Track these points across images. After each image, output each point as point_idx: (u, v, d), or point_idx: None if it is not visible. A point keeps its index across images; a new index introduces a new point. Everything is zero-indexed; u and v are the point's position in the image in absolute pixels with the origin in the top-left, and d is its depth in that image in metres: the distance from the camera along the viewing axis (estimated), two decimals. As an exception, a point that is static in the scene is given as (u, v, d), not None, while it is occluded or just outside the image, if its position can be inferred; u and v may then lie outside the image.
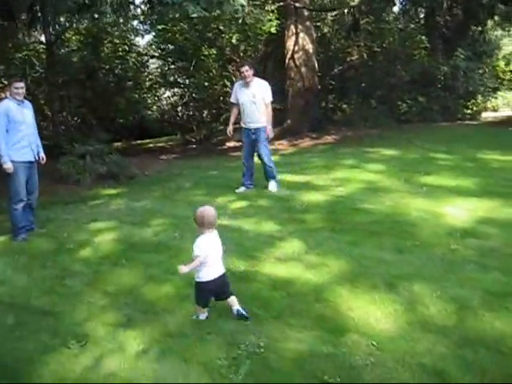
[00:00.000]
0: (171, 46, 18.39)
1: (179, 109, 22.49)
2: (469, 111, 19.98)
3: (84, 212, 7.83)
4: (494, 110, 24.11)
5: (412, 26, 21.24)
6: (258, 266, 4.99)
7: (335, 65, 20.47)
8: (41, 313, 4.25)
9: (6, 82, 17.73)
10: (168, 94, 24.08)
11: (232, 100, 8.40)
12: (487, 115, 21.38)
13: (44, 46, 17.07)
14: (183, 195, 8.48)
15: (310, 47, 16.12)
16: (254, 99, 7.96)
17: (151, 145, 21.01)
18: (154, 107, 25.71)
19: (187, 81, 19.30)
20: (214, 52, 15.43)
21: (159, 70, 20.21)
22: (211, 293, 3.84)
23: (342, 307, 4.04)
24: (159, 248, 5.68)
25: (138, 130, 23.08)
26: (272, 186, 8.23)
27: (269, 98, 8.04)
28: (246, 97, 8.04)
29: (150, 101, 24.12)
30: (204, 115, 19.22)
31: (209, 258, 3.72)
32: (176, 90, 22.28)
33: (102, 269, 5.15)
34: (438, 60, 18.70)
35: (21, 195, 6.44)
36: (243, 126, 8.32)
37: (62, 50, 16.05)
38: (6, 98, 6.56)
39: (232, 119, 8.54)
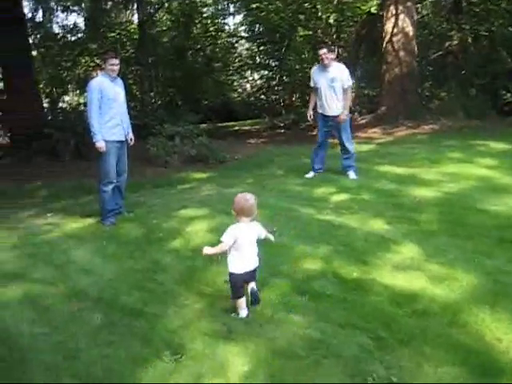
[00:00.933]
0: (261, 28, 17.81)
1: (267, 92, 21.97)
2: None
3: (174, 197, 7.42)
4: None
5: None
6: (373, 274, 4.31)
7: (433, 50, 19.12)
8: (131, 313, 3.78)
9: (98, 61, 17.94)
10: (256, 76, 23.66)
11: (311, 84, 7.97)
12: None
13: (135, 26, 17.01)
14: (277, 184, 7.88)
15: (410, 30, 15.02)
16: (332, 84, 7.57)
17: (237, 128, 20.61)
18: (241, 89, 25.37)
19: (277, 63, 18.70)
20: (308, 33, 14.63)
21: (249, 52, 19.65)
22: (243, 283, 3.65)
23: (487, 336, 3.30)
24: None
25: (223, 112, 22.83)
26: (352, 175, 7.90)
27: (348, 82, 7.65)
28: (323, 80, 7.64)
29: (236, 83, 23.76)
30: (293, 99, 18.53)
31: (240, 248, 3.56)
32: (264, 72, 21.78)
33: (196, 265, 4.64)
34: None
35: (110, 177, 6.09)
36: (319, 110, 7.93)
37: (153, 31, 15.79)
38: (98, 74, 6.18)
39: (311, 104, 8.20)
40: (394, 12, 14.79)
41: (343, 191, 7.11)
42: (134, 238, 5.55)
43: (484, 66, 18.23)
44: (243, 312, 3.64)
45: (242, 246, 3.56)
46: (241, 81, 24.33)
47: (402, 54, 14.98)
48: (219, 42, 17.70)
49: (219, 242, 3.60)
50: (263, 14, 13.26)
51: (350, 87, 7.74)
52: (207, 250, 3.64)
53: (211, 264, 4.57)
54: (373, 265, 4.49)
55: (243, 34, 19.02)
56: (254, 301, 3.63)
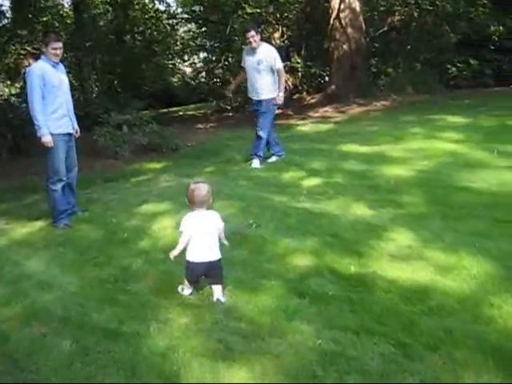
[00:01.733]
0: (202, 8, 17.10)
1: (209, 75, 21.27)
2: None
3: (130, 191, 6.80)
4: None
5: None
6: (372, 266, 3.89)
7: (376, 26, 18.94)
8: (106, 334, 3.21)
9: (28, 48, 16.73)
10: (196, 59, 22.90)
11: (242, 64, 7.66)
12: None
13: (68, 10, 15.94)
14: (240, 171, 7.38)
15: (356, 5, 14.71)
16: (258, 66, 7.23)
17: (181, 113, 19.86)
18: (181, 73, 24.55)
19: (220, 44, 18.04)
20: (254, 10, 14.06)
21: (189, 34, 18.88)
22: (200, 274, 3.54)
23: (522, 333, 2.93)
24: (235, 241, 4.58)
25: (164, 98, 21.97)
26: (255, 163, 7.48)
27: (279, 63, 7.24)
28: (250, 63, 7.34)
29: (176, 67, 22.92)
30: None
31: (196, 237, 3.46)
32: (206, 54, 21.07)
33: (171, 269, 4.07)
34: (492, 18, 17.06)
35: (60, 174, 5.43)
36: (249, 95, 7.73)
37: (89, 14, 14.74)
38: (30, 62, 5.45)
39: (236, 81, 8.36)
40: (339, -13, 14.40)
41: (313, 175, 6.70)
42: (94, 240, 4.93)
43: (429, 41, 18.23)
44: (187, 291, 3.64)
45: (198, 234, 3.46)
46: (181, 65, 23.51)
47: (349, 30, 14.67)
48: (159, 24, 16.78)
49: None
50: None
51: (281, 68, 7.31)
52: (173, 253, 3.55)
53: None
54: (368, 256, 4.08)
55: (184, 16, 18.16)
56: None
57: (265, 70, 7.18)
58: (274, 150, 7.76)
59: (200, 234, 3.46)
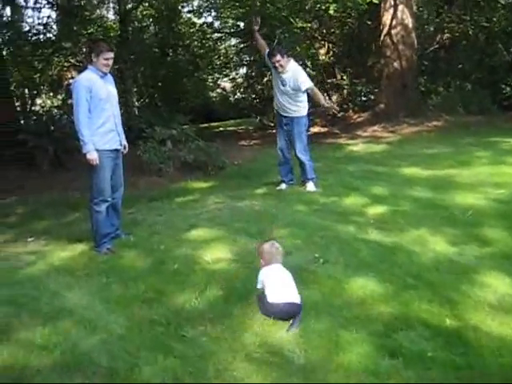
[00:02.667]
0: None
1: (248, 90, 20.88)
2: None
3: (176, 212, 6.29)
4: None
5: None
6: (471, 320, 3.29)
7: (426, 43, 18.25)
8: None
9: (72, 61, 16.59)
10: (237, 74, 22.55)
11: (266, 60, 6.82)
12: None
13: (111, 23, 15.76)
14: (294, 193, 6.80)
15: (409, 21, 14.09)
16: (282, 88, 6.59)
17: (221, 129, 19.49)
18: (220, 89, 24.22)
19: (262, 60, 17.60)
20: (306, 25, 13.56)
21: (233, 48, 18.52)
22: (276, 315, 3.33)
23: None
24: (302, 279, 4.00)
25: (203, 113, 21.63)
26: (310, 187, 6.82)
27: (306, 85, 6.50)
28: (276, 82, 6.69)
29: (215, 82, 22.61)
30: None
31: (273, 283, 3.41)
32: (246, 70, 20.69)
33: (231, 310, 3.53)
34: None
35: (105, 194, 4.95)
36: (276, 109, 7.00)
37: (134, 26, 14.49)
38: (86, 68, 5.02)
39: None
40: (392, 2, 13.81)
41: (377, 201, 6.10)
42: (141, 271, 4.41)
43: (480, 60, 17.47)
44: None
45: (272, 282, 3.43)
46: (220, 80, 23.19)
47: (401, 47, 14.04)
48: (203, 38, 16.45)
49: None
50: (258, 5, 12.11)
51: (311, 86, 6.59)
52: None
53: (256, 320, 3.44)
54: (463, 305, 3.47)
55: (228, 30, 17.80)
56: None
57: (291, 93, 6.56)
58: (285, 177, 7.09)
59: (274, 281, 3.43)
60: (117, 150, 5.09)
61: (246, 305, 3.62)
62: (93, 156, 4.76)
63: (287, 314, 3.31)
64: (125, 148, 5.27)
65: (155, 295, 3.89)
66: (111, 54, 4.88)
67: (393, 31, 13.93)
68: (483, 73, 17.38)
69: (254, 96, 20.49)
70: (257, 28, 6.85)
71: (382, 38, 14.37)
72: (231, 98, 23.41)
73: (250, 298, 3.71)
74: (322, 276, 4.02)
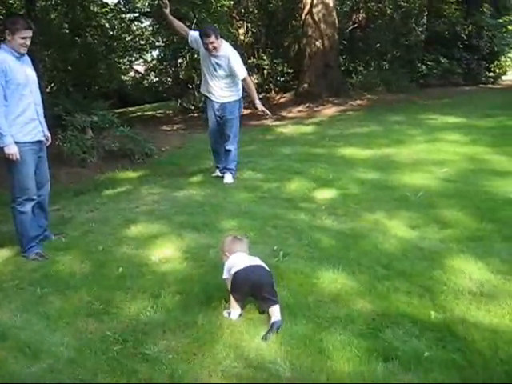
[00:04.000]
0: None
1: (164, 73, 20.14)
2: (491, 74, 18.17)
3: (109, 207, 5.74)
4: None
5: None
6: (456, 311, 3.09)
7: (344, 23, 18.34)
8: None
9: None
10: (151, 56, 21.69)
11: (190, 34, 6.12)
12: (507, 78, 19.57)
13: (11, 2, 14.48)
14: (236, 180, 6.41)
15: (330, 0, 13.94)
16: (216, 72, 6.04)
17: (138, 113, 18.66)
18: (133, 72, 23.25)
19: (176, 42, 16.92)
20: (225, 2, 13.06)
21: (149, 29, 17.67)
22: (246, 286, 3.01)
23: None
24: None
25: (117, 98, 20.66)
26: (228, 178, 6.31)
27: (241, 72, 6.02)
28: (208, 65, 6.05)
29: (134, 64, 21.63)
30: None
31: (238, 263, 3.11)
32: (159, 52, 19.90)
33: (195, 319, 3.13)
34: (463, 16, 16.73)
35: (29, 192, 4.34)
36: (205, 93, 6.42)
37: (40, 3, 13.29)
38: (-1, 48, 4.33)
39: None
40: (312, -20, 13.62)
41: (323, 185, 5.86)
42: (81, 278, 3.88)
43: (397, 39, 17.78)
44: (234, 314, 3.08)
45: (237, 262, 3.12)
46: (133, 63, 22.20)
47: (323, 26, 13.90)
48: (117, 18, 15.47)
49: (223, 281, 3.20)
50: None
51: (246, 77, 6.13)
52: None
53: (223, 327, 3.05)
54: (444, 295, 3.27)
55: (145, 10, 16.87)
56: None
57: (223, 75, 6.03)
58: (219, 163, 6.55)
59: (240, 260, 3.14)
60: (40, 142, 4.47)
61: (209, 310, 3.22)
62: (12, 150, 4.13)
63: (258, 278, 3.04)
64: (47, 139, 4.66)
65: (102, 306, 3.40)
66: (30, 33, 4.22)
67: (314, 10, 13.75)
68: (400, 51, 17.71)
69: (169, 79, 19.84)
70: (167, 10, 6.11)
71: (303, 17, 14.18)
72: (145, 82, 22.52)
73: (211, 302, 3.32)
74: (286, 271, 3.68)
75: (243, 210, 5.06)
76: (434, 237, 4.20)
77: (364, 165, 6.63)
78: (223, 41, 6.02)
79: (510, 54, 18.78)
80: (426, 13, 18.85)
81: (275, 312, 2.97)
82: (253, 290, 3.04)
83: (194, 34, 6.07)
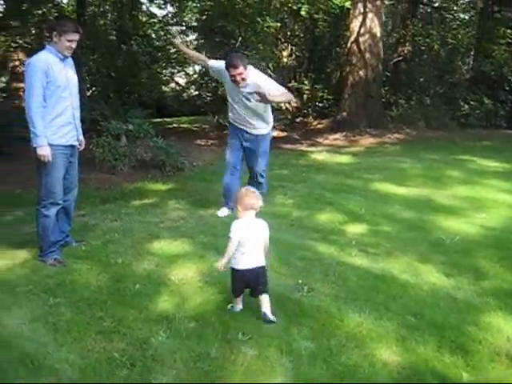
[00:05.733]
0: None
1: (203, 87, 20.23)
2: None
3: (133, 218, 5.62)
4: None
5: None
6: (491, 374, 2.83)
7: (388, 54, 18.17)
8: None
9: (20, 41, 15.41)
10: (196, 69, 21.85)
11: (210, 65, 5.55)
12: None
13: (65, 3, 14.75)
14: (265, 205, 6.21)
15: (377, 30, 13.80)
16: (247, 103, 5.34)
17: (174, 125, 18.72)
18: (174, 84, 23.45)
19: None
20: (275, 24, 13.00)
21: (195, 43, 17.78)
22: (246, 283, 3.37)
23: None
24: (288, 310, 3.47)
25: (155, 108, 20.81)
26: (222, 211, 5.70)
27: (276, 89, 5.27)
28: (237, 97, 5.39)
29: (175, 76, 21.81)
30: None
31: (246, 244, 3.31)
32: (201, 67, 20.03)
33: (208, 350, 2.94)
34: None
35: (56, 196, 4.25)
36: (232, 122, 5.72)
37: (90, 9, 13.50)
38: (43, 48, 4.29)
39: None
40: (361, 10, 13.48)
41: (355, 219, 5.65)
42: (96, 290, 3.75)
43: (441, 75, 17.52)
44: (237, 308, 3.46)
45: (246, 242, 3.32)
46: (175, 74, 22.39)
47: (367, 56, 13.73)
48: (164, 30, 15.62)
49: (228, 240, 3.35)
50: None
51: (280, 89, 5.35)
52: (222, 263, 3.36)
53: (238, 364, 2.86)
54: (478, 355, 3.02)
55: (191, 24, 17.01)
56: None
57: (256, 105, 5.32)
58: (230, 201, 5.58)
59: (248, 242, 3.32)
60: (72, 146, 4.39)
61: (224, 343, 3.04)
62: (45, 151, 4.06)
63: (255, 278, 3.33)
64: (81, 144, 4.59)
65: (114, 324, 3.25)
66: (77, 36, 4.18)
67: (361, 39, 13.61)
68: (443, 88, 17.44)
69: (208, 94, 19.92)
70: (176, 41, 5.65)
71: (348, 45, 14.04)
72: (185, 94, 22.69)
73: (227, 333, 3.14)
74: (309, 308, 3.49)
75: (270, 237, 4.85)
76: (469, 288, 3.95)
77: (398, 202, 6.39)
78: (250, 67, 5.26)
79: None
80: (472, 52, 18.59)
81: (264, 302, 3.29)
82: (249, 287, 3.39)
83: (215, 65, 5.45)
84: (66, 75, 4.25)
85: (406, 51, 18.21)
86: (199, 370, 2.77)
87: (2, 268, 4.12)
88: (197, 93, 21.22)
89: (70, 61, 4.35)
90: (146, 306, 3.49)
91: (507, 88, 16.89)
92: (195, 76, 21.54)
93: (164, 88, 24.11)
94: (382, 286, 3.90)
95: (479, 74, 17.27)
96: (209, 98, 19.58)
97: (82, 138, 4.56)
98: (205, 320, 3.29)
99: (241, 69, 5.05)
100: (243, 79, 5.11)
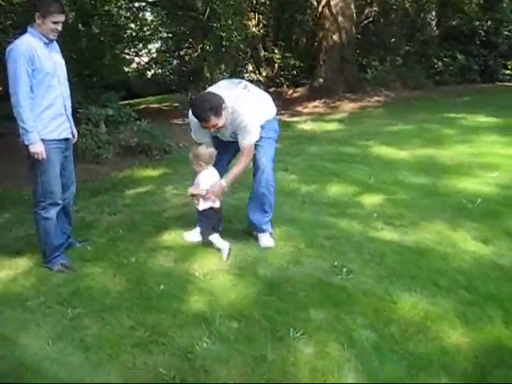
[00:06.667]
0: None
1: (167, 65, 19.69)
2: (508, 71, 17.68)
3: (133, 209, 5.25)
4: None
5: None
6: None
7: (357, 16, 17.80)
8: None
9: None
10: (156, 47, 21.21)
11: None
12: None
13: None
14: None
15: (348, -9, 13.43)
16: (232, 139, 3.98)
17: (143, 106, 18.11)
18: (135, 63, 22.70)
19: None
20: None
21: (156, 19, 17.11)
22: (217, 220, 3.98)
23: None
24: (332, 297, 3.20)
25: (120, 90, 20.11)
26: (266, 241, 4.12)
27: (247, 139, 3.85)
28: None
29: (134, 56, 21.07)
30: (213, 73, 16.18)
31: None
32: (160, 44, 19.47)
33: (263, 351, 2.65)
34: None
35: (54, 196, 3.84)
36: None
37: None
38: (25, 31, 3.81)
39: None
40: (331, -29, 13.09)
41: (367, 189, 5.40)
42: (117, 296, 3.40)
43: (411, 34, 17.28)
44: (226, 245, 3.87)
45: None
46: (138, 53, 21.66)
47: (340, 19, 13.39)
48: (126, 7, 14.92)
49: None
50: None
51: (248, 147, 3.87)
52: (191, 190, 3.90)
53: (300, 365, 2.58)
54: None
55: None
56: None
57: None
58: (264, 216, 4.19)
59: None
60: (66, 140, 3.95)
61: (276, 342, 2.76)
62: (38, 148, 3.63)
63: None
64: (74, 137, 4.17)
65: (148, 333, 2.92)
66: (63, 18, 3.70)
67: (332, 2, 13.24)
68: (414, 47, 17.22)
69: (171, 71, 19.41)
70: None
71: (320, 9, 13.66)
72: (148, 73, 22.00)
73: (277, 330, 2.86)
74: (355, 293, 3.21)
75: (286, 217, 4.57)
76: (511, 253, 3.72)
77: (405, 167, 6.16)
78: (226, 105, 3.72)
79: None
80: (436, 7, 18.35)
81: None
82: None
83: (193, 129, 4.00)
84: (53, 60, 3.80)
85: (373, 12, 17.87)
86: (260, 378, 2.48)
87: (4, 280, 3.73)
88: (160, 71, 20.64)
89: (55, 45, 3.88)
90: (177, 308, 3.16)
91: (479, 42, 16.78)
92: (155, 54, 20.94)
93: (126, 68, 23.35)
94: (422, 260, 3.65)
95: (450, 30, 17.13)
96: (176, 75, 19.06)
97: (74, 129, 4.14)
98: (247, 318, 2.99)
99: (213, 120, 3.72)
100: (219, 127, 3.83)
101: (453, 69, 16.43)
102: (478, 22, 16.59)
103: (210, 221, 3.96)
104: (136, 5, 15.51)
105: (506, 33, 16.68)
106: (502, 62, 17.44)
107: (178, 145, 8.53)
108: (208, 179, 3.86)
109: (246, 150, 3.85)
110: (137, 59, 22.81)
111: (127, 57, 19.71)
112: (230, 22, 13.19)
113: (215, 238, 3.93)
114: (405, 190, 5.27)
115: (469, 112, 9.96)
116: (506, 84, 17.03)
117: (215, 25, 13.64)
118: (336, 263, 3.62)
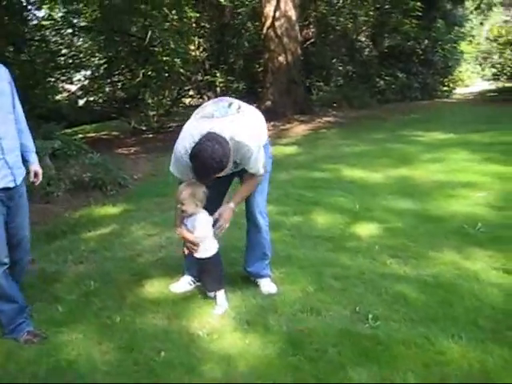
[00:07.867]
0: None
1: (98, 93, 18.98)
2: (445, 88, 18.16)
3: (102, 255, 4.63)
4: (466, 85, 22.46)
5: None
6: None
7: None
8: None
9: None
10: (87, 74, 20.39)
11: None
12: (456, 92, 19.67)
13: None
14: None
15: (292, 13, 13.29)
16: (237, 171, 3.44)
17: (80, 135, 17.22)
18: (66, 92, 21.81)
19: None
20: (194, 14, 12.07)
21: (87, 46, 16.33)
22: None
23: None
24: (367, 351, 2.76)
25: (53, 119, 19.18)
26: (268, 287, 3.63)
27: (256, 170, 3.32)
28: None
29: (65, 84, 20.19)
30: (155, 99, 15.57)
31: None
32: (91, 72, 18.73)
33: None
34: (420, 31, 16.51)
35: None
36: None
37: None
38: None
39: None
40: (274, -7, 12.91)
41: (356, 218, 5.06)
42: (111, 370, 2.83)
43: (352, 55, 17.42)
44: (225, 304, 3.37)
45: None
46: (70, 81, 20.79)
47: (285, 40, 13.20)
48: (60, 34, 14.14)
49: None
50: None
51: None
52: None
53: None
54: None
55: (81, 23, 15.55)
56: None
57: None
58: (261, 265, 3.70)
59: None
60: (7, 189, 3.13)
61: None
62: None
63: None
64: (36, 175, 3.53)
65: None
66: None
67: (276, 23, 13.04)
68: (356, 67, 17.36)
69: (106, 98, 18.72)
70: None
71: (264, 30, 13.42)
72: (80, 102, 21.13)
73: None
74: (392, 344, 2.80)
75: (282, 256, 4.12)
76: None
77: (385, 191, 5.88)
78: (229, 148, 3.05)
79: (459, 69, 18.86)
80: (371, 28, 18.59)
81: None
82: None
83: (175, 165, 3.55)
84: None
85: (310, 33, 17.91)
86: None
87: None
88: (92, 98, 19.87)
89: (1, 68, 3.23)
90: (189, 381, 2.62)
91: (417, 60, 17.13)
92: (86, 82, 20.10)
93: (57, 97, 22.40)
94: (449, 297, 3.29)
95: (389, 49, 17.39)
96: (109, 103, 18.38)
97: (36, 167, 3.50)
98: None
99: (220, 173, 3.13)
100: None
101: (394, 87, 16.67)
102: (414, 42, 16.95)
103: (218, 268, 3.38)
104: (69, 30, 14.70)
105: (439, 52, 17.12)
106: (440, 79, 17.90)
107: (133, 177, 7.94)
108: (207, 225, 3.26)
109: (256, 176, 3.36)
110: (67, 87, 21.91)
111: (57, 85, 18.87)
112: (172, 47, 12.73)
113: (222, 295, 3.37)
114: (396, 217, 4.94)
115: (422, 129, 9.97)
116: (444, 100, 17.48)
117: (156, 49, 13.14)
118: (357, 308, 3.19)
